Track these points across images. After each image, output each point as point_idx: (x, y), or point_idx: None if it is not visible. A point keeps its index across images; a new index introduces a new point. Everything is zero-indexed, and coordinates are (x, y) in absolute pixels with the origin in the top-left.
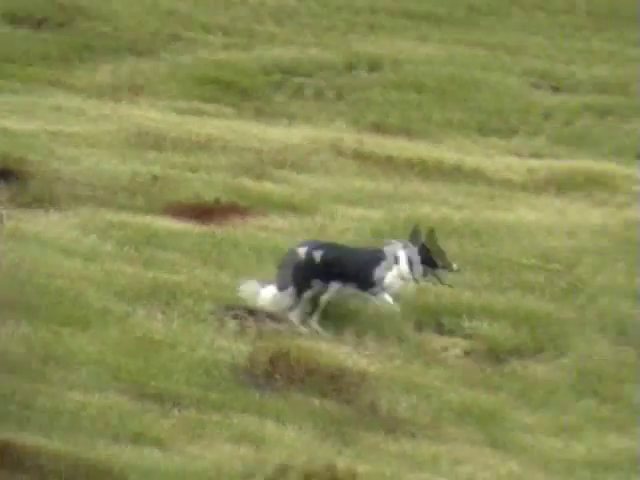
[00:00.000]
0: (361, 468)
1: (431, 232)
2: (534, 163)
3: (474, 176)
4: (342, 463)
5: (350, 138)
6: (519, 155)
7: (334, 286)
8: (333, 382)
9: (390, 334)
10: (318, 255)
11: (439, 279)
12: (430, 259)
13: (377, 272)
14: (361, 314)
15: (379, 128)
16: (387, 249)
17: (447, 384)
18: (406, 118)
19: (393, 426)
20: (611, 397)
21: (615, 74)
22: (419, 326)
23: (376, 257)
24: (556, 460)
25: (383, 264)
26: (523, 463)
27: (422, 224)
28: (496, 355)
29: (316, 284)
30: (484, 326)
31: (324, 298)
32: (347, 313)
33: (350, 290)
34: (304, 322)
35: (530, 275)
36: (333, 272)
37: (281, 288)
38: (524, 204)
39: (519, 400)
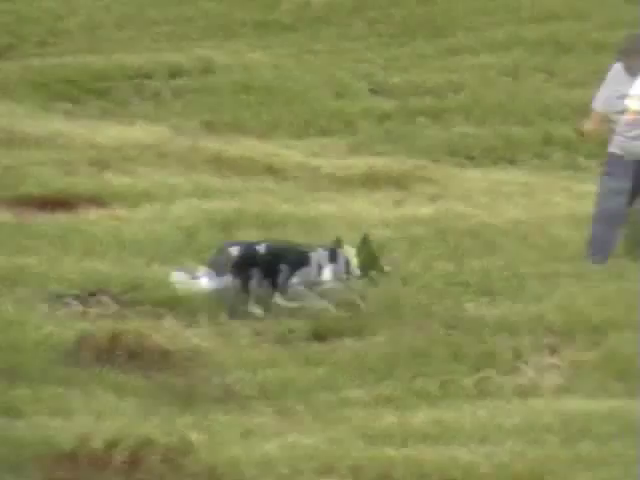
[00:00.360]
0: (194, 436)
1: (364, 238)
2: (353, 160)
3: (299, 171)
4: (177, 432)
5: (184, 135)
6: (339, 152)
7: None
8: (168, 358)
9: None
10: (241, 251)
11: (373, 279)
12: (368, 260)
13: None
14: (195, 297)
15: (211, 127)
16: (319, 252)
17: (273, 360)
18: (236, 118)
19: (223, 398)
20: (422, 373)
21: (426, 79)
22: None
23: (304, 258)
24: (372, 429)
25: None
26: (341, 431)
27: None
28: (318, 334)
29: (256, 275)
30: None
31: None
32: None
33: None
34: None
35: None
36: (266, 268)
37: (211, 279)
38: (345, 196)
39: (337, 375)
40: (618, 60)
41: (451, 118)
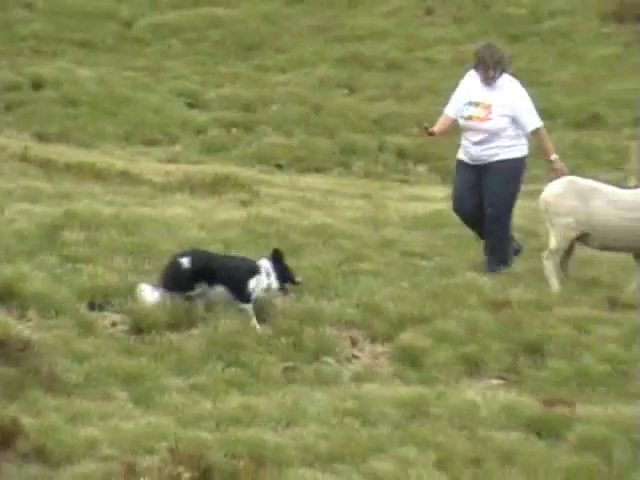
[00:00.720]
0: (25, 420)
1: (277, 252)
2: (172, 167)
3: (122, 177)
4: (7, 417)
5: (17, 145)
6: (160, 160)
7: (215, 289)
8: (1, 349)
9: (55, 310)
10: (197, 262)
11: (285, 290)
12: (284, 273)
13: (252, 282)
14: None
15: (42, 137)
16: (260, 263)
17: (99, 351)
18: (65, 128)
19: (52, 385)
20: (233, 361)
21: (239, 94)
22: (90, 305)
23: (253, 268)
24: (188, 414)
25: (256, 277)
26: (160, 416)
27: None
28: (139, 327)
29: (199, 287)
30: (129, 303)
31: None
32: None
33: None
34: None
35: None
36: (208, 278)
37: (167, 289)
38: (164, 201)
39: (161, 364)
40: (474, 68)
41: (261, 130)
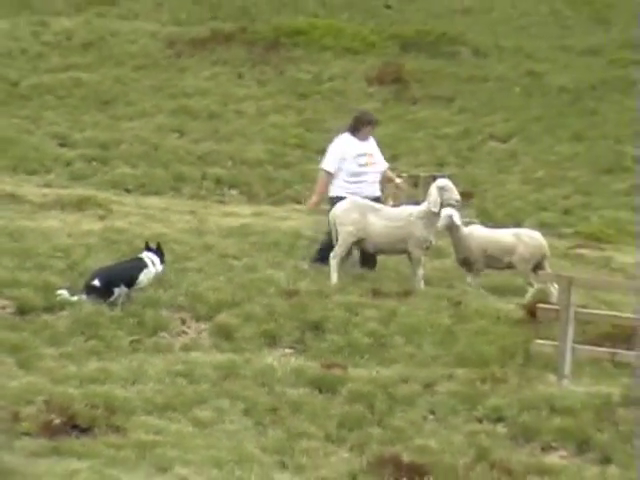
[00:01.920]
0: None
1: (158, 245)
2: (47, 190)
3: (9, 198)
4: None
5: None
6: (38, 185)
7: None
8: None
9: None
10: (103, 279)
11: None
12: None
13: (142, 276)
14: None
15: None
16: (144, 255)
17: None
18: None
19: None
20: (93, 336)
21: (98, 136)
22: None
23: (141, 264)
24: (58, 375)
25: (145, 270)
26: (37, 377)
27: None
28: (22, 310)
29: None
30: (14, 291)
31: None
32: None
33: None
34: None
35: (45, 259)
36: (118, 284)
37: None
38: (42, 216)
39: (38, 338)
40: (348, 131)
41: (114, 163)
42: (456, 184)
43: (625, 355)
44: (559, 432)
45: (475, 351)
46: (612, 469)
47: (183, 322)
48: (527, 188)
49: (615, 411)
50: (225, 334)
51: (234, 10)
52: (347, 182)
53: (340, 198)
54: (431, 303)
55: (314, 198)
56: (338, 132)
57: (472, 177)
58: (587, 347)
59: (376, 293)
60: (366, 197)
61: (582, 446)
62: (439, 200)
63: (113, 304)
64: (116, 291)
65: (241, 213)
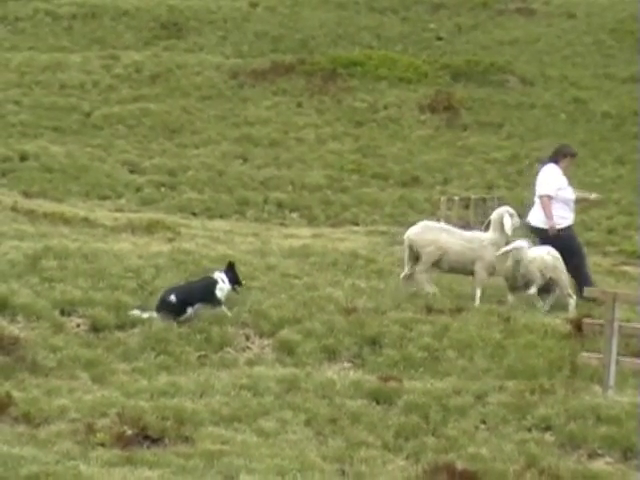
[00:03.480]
0: (15, 394)
1: (231, 264)
2: (118, 215)
3: (83, 222)
4: (2, 391)
5: (9, 199)
6: (110, 210)
7: (196, 308)
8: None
9: (36, 315)
10: (178, 296)
11: (236, 290)
12: (235, 278)
13: (217, 292)
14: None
15: (26, 194)
16: (215, 275)
17: (67, 344)
18: (43, 188)
19: (34, 369)
20: (162, 351)
21: (166, 163)
22: (62, 312)
23: (212, 283)
24: (130, 389)
25: (217, 286)
26: (111, 390)
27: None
28: (96, 327)
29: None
30: (88, 310)
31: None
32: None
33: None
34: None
35: (117, 280)
36: (192, 302)
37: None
38: (114, 239)
39: (111, 354)
40: (557, 160)
41: (182, 188)
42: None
43: None
44: (604, 440)
45: (524, 364)
46: None
47: (247, 338)
48: None
49: None
50: (287, 349)
51: (293, 43)
52: (562, 211)
53: (568, 228)
54: (482, 319)
55: (550, 222)
56: (393, 157)
57: (520, 199)
58: (630, 359)
59: (430, 309)
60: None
61: (627, 453)
62: (511, 225)
63: (183, 322)
64: (189, 310)
65: (301, 235)
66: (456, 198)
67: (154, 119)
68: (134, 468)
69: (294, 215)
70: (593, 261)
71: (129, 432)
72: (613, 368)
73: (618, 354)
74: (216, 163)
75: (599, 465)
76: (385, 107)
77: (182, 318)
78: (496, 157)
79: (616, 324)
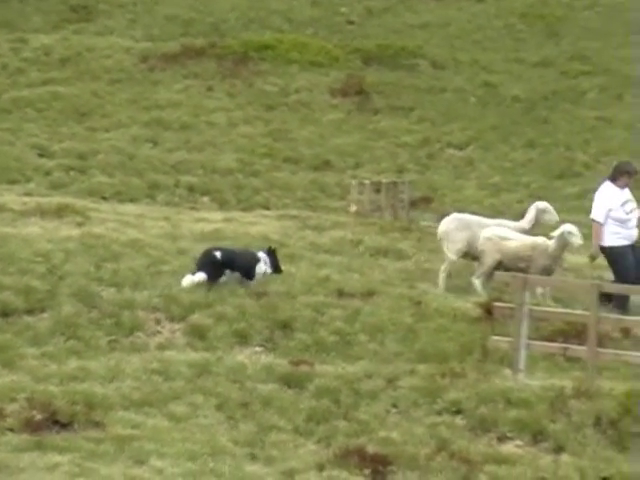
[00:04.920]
0: None
1: (272, 248)
2: (27, 199)
3: None
4: None
5: None
6: (19, 194)
7: (233, 275)
8: None
9: None
10: (222, 255)
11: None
12: (275, 263)
13: (257, 268)
14: None
15: None
16: (260, 254)
17: None
18: None
19: None
20: (72, 336)
21: (76, 147)
22: None
23: (257, 258)
24: (40, 373)
25: (259, 264)
26: (20, 375)
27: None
28: (5, 312)
29: (227, 272)
30: None
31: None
32: None
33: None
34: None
35: (26, 264)
36: (232, 266)
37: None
38: (22, 223)
39: (20, 338)
40: (609, 180)
41: (92, 172)
42: (415, 190)
43: (576, 350)
44: (515, 423)
45: (435, 348)
46: (565, 457)
47: (158, 322)
48: (483, 193)
49: (567, 403)
50: (198, 333)
51: (204, 26)
52: (617, 230)
53: (614, 247)
54: (393, 303)
55: (593, 251)
56: (305, 141)
57: (431, 183)
58: (540, 343)
59: (341, 293)
60: (634, 242)
61: (537, 436)
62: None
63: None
64: (227, 273)
65: (212, 219)
66: (367, 182)
67: (64, 103)
68: (43, 453)
69: (205, 199)
70: None
71: (38, 417)
72: (523, 352)
73: (528, 338)
74: (126, 147)
75: (509, 448)
76: (296, 91)
77: (219, 280)
78: (407, 141)
79: (526, 308)
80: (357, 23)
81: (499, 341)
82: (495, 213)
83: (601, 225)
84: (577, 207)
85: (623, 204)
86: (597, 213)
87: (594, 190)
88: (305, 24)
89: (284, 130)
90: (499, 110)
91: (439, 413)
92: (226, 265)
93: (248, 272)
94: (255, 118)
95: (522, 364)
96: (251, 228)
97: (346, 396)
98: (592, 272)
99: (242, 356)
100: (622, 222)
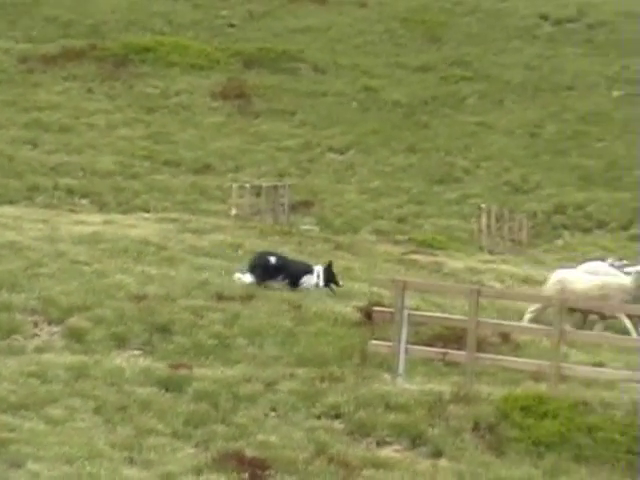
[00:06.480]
0: None
1: (329, 263)
2: None
3: None
4: None
5: None
6: None
7: (281, 280)
8: None
9: None
10: (276, 261)
11: (332, 289)
12: (330, 277)
13: (304, 278)
14: None
15: None
16: (315, 267)
17: None
18: None
19: None
20: None
21: None
22: None
23: (307, 269)
24: None
25: (308, 275)
26: None
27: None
28: None
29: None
30: None
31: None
32: None
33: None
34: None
35: None
36: (282, 273)
37: (253, 276)
38: None
39: None
40: None
41: None
42: (296, 194)
43: (455, 355)
44: (393, 427)
45: (314, 352)
46: (443, 462)
47: (36, 325)
48: (364, 197)
49: (446, 407)
50: (76, 336)
51: (84, 28)
52: None
53: None
54: (273, 306)
55: None
56: (185, 144)
57: (312, 187)
58: (420, 347)
59: (220, 297)
60: None
61: (415, 440)
62: None
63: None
64: (279, 278)
65: (91, 221)
66: (247, 186)
67: None
68: None
69: (84, 201)
70: (383, 249)
71: None
72: (403, 356)
73: (408, 342)
74: (5, 148)
75: (388, 452)
76: (177, 94)
77: (270, 282)
78: (288, 145)
79: (405, 312)
80: (238, 26)
81: (378, 345)
82: (371, 217)
83: None
84: (456, 212)
85: None
86: None
87: (474, 195)
88: (186, 27)
89: (164, 133)
90: (380, 115)
91: (318, 417)
92: (279, 270)
93: (293, 282)
94: (135, 120)
95: (401, 368)
96: (131, 231)
97: (225, 400)
98: (471, 277)
99: (120, 359)
100: None
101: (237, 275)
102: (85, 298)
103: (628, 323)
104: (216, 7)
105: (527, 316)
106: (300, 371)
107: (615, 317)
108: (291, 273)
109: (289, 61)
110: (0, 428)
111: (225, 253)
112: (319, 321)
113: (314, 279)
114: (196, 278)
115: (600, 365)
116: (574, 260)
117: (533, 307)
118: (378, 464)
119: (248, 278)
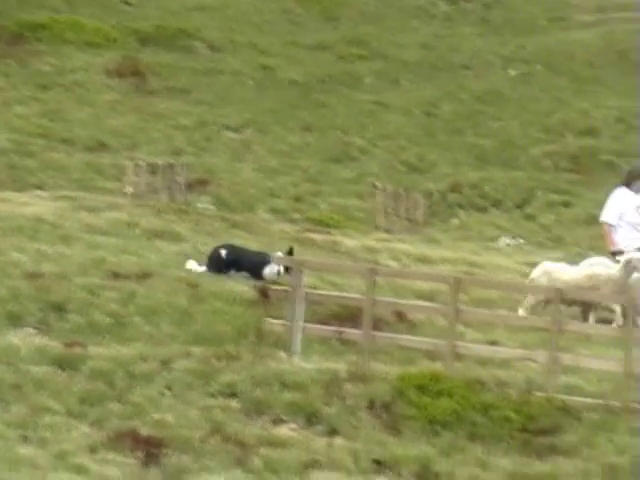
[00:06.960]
0: None
1: (290, 249)
2: None
3: None
4: None
5: None
6: None
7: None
8: None
9: None
10: (227, 254)
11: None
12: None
13: (267, 269)
14: None
15: None
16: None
17: None
18: None
19: None
20: None
21: None
22: None
23: (265, 260)
24: None
25: (270, 265)
26: None
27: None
28: None
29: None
30: None
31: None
32: None
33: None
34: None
35: None
36: (236, 266)
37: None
38: None
39: None
40: (623, 185)
41: None
42: (192, 172)
43: (351, 333)
44: (289, 406)
45: (211, 330)
46: (338, 440)
47: None
48: (260, 176)
49: (342, 386)
50: None
51: None
52: (630, 234)
53: (622, 252)
54: (169, 285)
55: (609, 249)
56: (80, 122)
57: (208, 166)
58: (316, 326)
59: (116, 275)
60: None
61: (311, 419)
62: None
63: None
64: (231, 272)
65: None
66: (143, 164)
67: None
68: None
69: None
70: (280, 228)
71: None
72: (298, 335)
73: (304, 321)
74: None
75: (284, 431)
76: (72, 71)
77: (226, 274)
78: (184, 123)
79: (301, 290)
80: (134, 4)
81: (274, 324)
82: (268, 196)
83: (612, 227)
84: (353, 191)
85: (638, 208)
86: (608, 215)
87: (370, 174)
88: (82, 4)
89: (59, 110)
90: (276, 93)
91: (213, 396)
92: (231, 264)
93: (256, 273)
94: (30, 98)
95: (297, 347)
96: (25, 209)
97: (120, 378)
98: (368, 256)
99: (15, 338)
100: (635, 226)
101: (191, 262)
102: None
103: (619, 314)
104: None
105: (521, 312)
106: (196, 350)
107: (610, 309)
108: (247, 265)
109: (185, 39)
110: None
111: (121, 231)
112: (216, 300)
113: (275, 267)
114: (91, 256)
115: (495, 344)
116: (473, 239)
117: (528, 302)
118: (274, 443)
119: (202, 269)
